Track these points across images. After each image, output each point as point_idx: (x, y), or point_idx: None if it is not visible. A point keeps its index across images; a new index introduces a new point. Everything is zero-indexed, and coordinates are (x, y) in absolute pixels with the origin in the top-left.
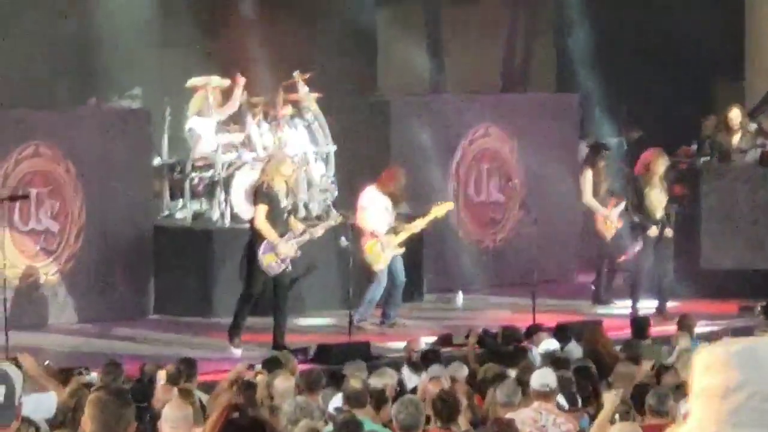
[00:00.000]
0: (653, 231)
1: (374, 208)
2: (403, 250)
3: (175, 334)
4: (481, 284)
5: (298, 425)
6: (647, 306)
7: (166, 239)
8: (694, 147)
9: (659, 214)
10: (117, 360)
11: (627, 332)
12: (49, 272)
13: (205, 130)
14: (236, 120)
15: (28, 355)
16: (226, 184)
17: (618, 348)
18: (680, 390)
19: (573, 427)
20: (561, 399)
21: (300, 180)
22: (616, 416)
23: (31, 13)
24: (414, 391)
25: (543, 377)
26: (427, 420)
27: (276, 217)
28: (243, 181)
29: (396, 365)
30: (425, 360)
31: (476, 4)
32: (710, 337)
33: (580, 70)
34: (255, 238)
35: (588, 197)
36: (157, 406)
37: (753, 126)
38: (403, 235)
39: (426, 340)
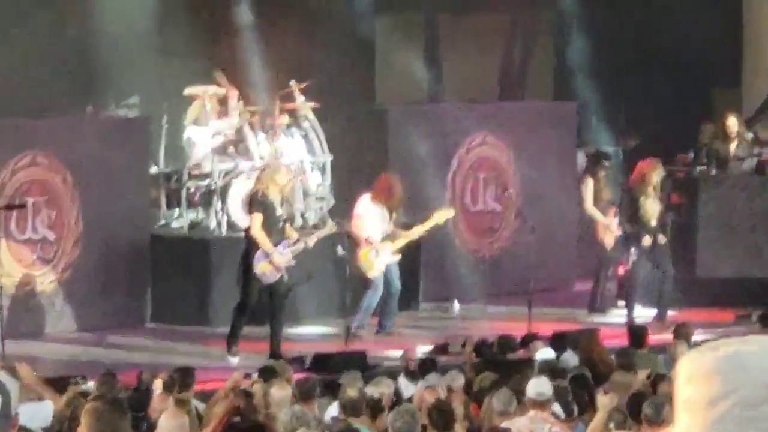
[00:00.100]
0: (647, 240)
1: (369, 215)
2: (399, 257)
3: (171, 342)
4: (477, 293)
5: None
6: (643, 315)
7: (163, 248)
8: (691, 155)
9: (653, 223)
10: (113, 369)
11: (624, 341)
12: (45, 281)
13: (202, 139)
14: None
15: (24, 365)
16: (223, 193)
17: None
18: None
19: None
20: (557, 408)
21: (296, 189)
22: (611, 425)
23: (29, 22)
24: (410, 400)
25: (539, 386)
26: (423, 429)
27: (271, 225)
28: (239, 190)
29: (392, 374)
30: (422, 369)
31: (474, 13)
32: None
33: (578, 78)
34: (250, 246)
35: (589, 206)
36: (154, 416)
37: (750, 135)
38: (401, 242)
39: (422, 349)
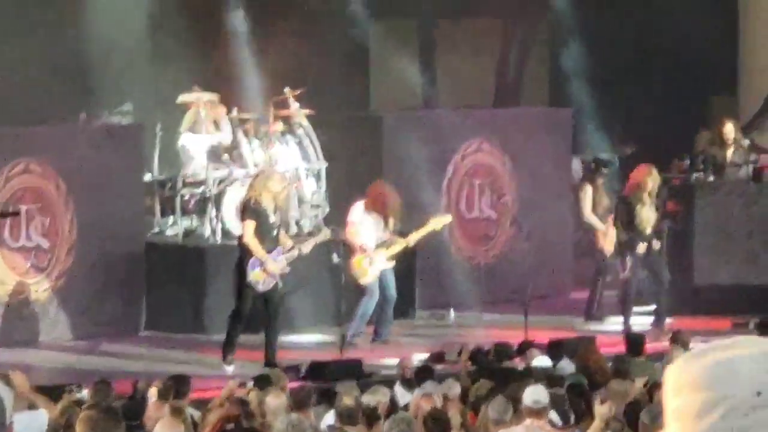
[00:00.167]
0: (641, 248)
1: (362, 223)
2: (393, 263)
3: (166, 350)
4: (473, 301)
5: None
6: (640, 322)
7: (158, 256)
8: (687, 162)
9: (648, 230)
10: (108, 378)
11: (620, 348)
12: (39, 289)
13: (196, 146)
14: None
15: (19, 373)
16: (217, 200)
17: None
18: None
19: None
20: (554, 415)
21: (291, 196)
22: None
23: (22, 29)
24: (406, 408)
25: (535, 394)
26: None
27: (264, 233)
28: (234, 198)
29: (388, 382)
30: (418, 377)
31: (469, 19)
32: None
33: (574, 84)
34: (244, 254)
35: (588, 213)
36: (149, 424)
37: (746, 141)
38: (396, 248)
39: (418, 357)
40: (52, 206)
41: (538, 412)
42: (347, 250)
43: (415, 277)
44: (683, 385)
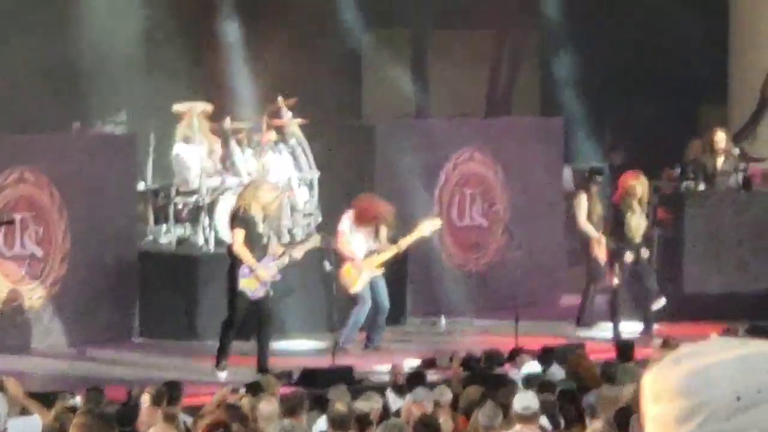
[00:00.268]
0: (628, 256)
1: (351, 233)
2: (382, 271)
3: (159, 357)
4: (464, 308)
5: None
6: (630, 329)
7: (151, 264)
8: (678, 170)
9: (637, 239)
10: (101, 385)
11: (611, 355)
12: (34, 296)
13: (190, 155)
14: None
15: (12, 379)
16: (210, 209)
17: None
18: None
19: None
20: (545, 421)
21: (283, 205)
22: None
23: (15, 39)
24: (398, 414)
25: (525, 400)
26: None
27: (254, 241)
28: (227, 207)
29: (379, 389)
30: (410, 383)
31: (461, 29)
32: None
33: (565, 93)
34: (234, 263)
35: (583, 221)
36: (142, 430)
37: (736, 150)
38: (385, 255)
39: (410, 364)
40: (46, 215)
41: (528, 418)
42: (338, 258)
43: (407, 284)
44: (662, 393)
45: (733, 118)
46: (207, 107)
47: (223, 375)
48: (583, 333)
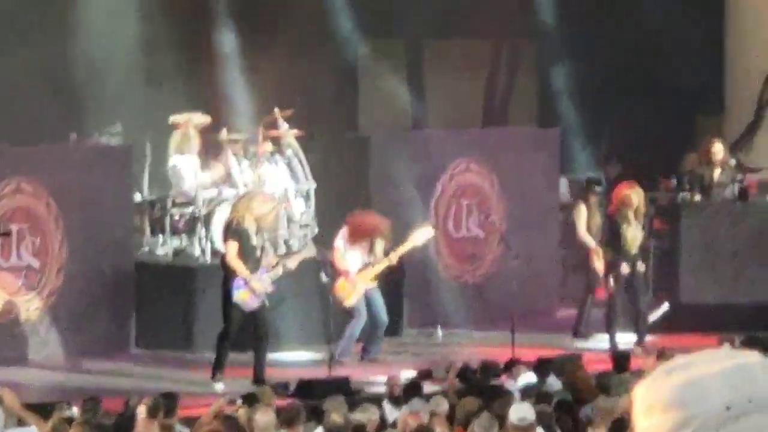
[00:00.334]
0: (624, 268)
1: (345, 249)
2: (376, 283)
3: (156, 368)
4: (461, 319)
5: None
6: (626, 340)
7: (148, 275)
8: (674, 181)
9: (633, 250)
10: (98, 395)
11: (608, 366)
12: (30, 308)
13: (186, 167)
14: (217, 157)
15: (9, 391)
16: (207, 220)
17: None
18: None
19: None
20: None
21: (280, 216)
22: None
23: (12, 50)
24: (395, 424)
25: (521, 411)
26: None
27: (247, 254)
28: (223, 218)
29: (376, 400)
30: (406, 394)
31: (457, 39)
32: None
33: (562, 104)
34: (228, 275)
35: (582, 232)
36: None
37: (733, 161)
38: (379, 267)
39: (406, 375)
40: (43, 226)
41: (524, 429)
42: (334, 270)
43: (403, 295)
44: (653, 406)
45: (729, 128)
46: (204, 118)
47: (219, 386)
48: (580, 344)
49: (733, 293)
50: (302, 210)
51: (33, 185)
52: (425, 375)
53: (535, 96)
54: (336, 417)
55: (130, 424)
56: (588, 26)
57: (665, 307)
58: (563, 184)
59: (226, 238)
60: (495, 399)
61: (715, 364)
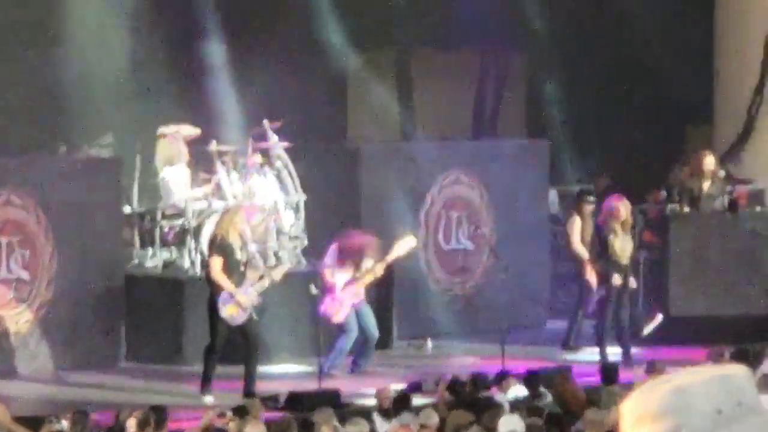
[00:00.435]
0: (616, 279)
1: (334, 267)
2: (363, 296)
3: (146, 381)
4: (451, 331)
5: None
6: (616, 352)
7: (138, 287)
8: (664, 193)
9: (624, 261)
10: (87, 409)
11: (597, 379)
12: (20, 320)
13: (176, 178)
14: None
15: None
16: (197, 232)
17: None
18: None
19: None
20: None
21: (269, 229)
22: None
23: (2, 62)
24: None
25: (510, 423)
26: None
27: (232, 268)
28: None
29: (366, 413)
30: (396, 407)
31: (447, 51)
32: None
33: (551, 116)
34: (213, 290)
35: (576, 243)
36: None
37: (722, 173)
38: (365, 281)
39: (396, 387)
40: (33, 238)
41: None
42: (324, 283)
43: (393, 307)
44: (643, 416)
45: (718, 139)
46: (193, 130)
47: (209, 399)
48: (570, 356)
49: (722, 305)
50: (292, 222)
51: (23, 197)
52: (415, 387)
53: (525, 107)
54: (326, 430)
55: None
56: (577, 37)
57: (659, 319)
58: (553, 196)
59: (210, 254)
60: (485, 412)
61: (701, 375)
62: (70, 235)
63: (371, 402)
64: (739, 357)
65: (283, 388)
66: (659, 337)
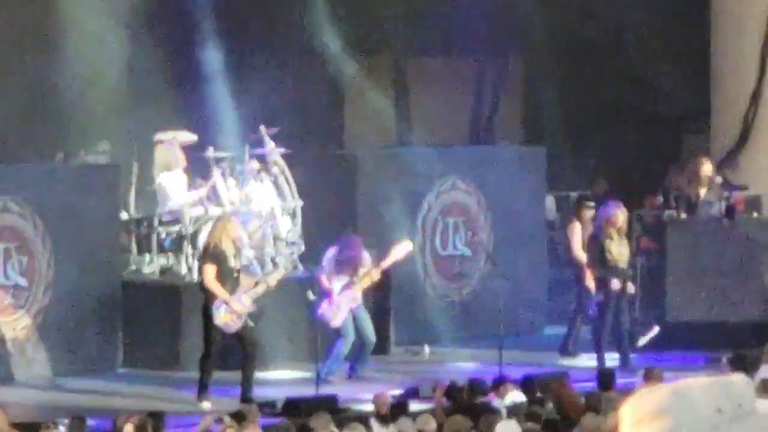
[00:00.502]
0: (615, 284)
1: (330, 271)
2: (360, 301)
3: (143, 387)
4: (448, 337)
5: None
6: (613, 358)
7: (135, 293)
8: (660, 199)
9: (622, 264)
10: (85, 415)
11: (594, 384)
12: (18, 327)
13: (173, 185)
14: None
15: None
16: (193, 238)
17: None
18: None
19: None
20: None
21: (266, 235)
22: None
23: None
24: None
25: (507, 429)
26: None
27: (225, 276)
28: None
29: (363, 418)
30: (394, 412)
31: (444, 57)
32: None
33: (548, 122)
34: (207, 297)
35: (576, 249)
36: None
37: (719, 179)
38: (362, 286)
39: (393, 393)
40: (30, 245)
41: None
42: (321, 289)
43: (391, 313)
44: (643, 417)
45: (715, 146)
46: (190, 136)
47: (206, 404)
48: (567, 362)
49: (719, 311)
50: (289, 228)
51: (20, 204)
52: (412, 393)
53: (521, 114)
54: None
55: None
56: (574, 44)
57: (656, 330)
58: (549, 202)
59: (203, 262)
60: (482, 417)
61: (701, 381)
62: (67, 242)
63: (368, 408)
64: (737, 362)
65: (280, 394)
66: (656, 343)
